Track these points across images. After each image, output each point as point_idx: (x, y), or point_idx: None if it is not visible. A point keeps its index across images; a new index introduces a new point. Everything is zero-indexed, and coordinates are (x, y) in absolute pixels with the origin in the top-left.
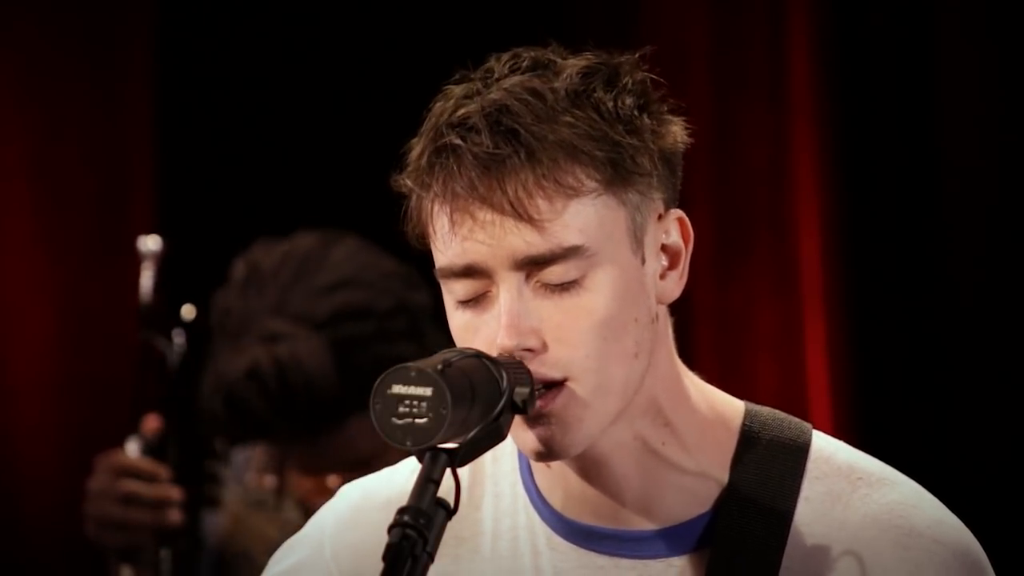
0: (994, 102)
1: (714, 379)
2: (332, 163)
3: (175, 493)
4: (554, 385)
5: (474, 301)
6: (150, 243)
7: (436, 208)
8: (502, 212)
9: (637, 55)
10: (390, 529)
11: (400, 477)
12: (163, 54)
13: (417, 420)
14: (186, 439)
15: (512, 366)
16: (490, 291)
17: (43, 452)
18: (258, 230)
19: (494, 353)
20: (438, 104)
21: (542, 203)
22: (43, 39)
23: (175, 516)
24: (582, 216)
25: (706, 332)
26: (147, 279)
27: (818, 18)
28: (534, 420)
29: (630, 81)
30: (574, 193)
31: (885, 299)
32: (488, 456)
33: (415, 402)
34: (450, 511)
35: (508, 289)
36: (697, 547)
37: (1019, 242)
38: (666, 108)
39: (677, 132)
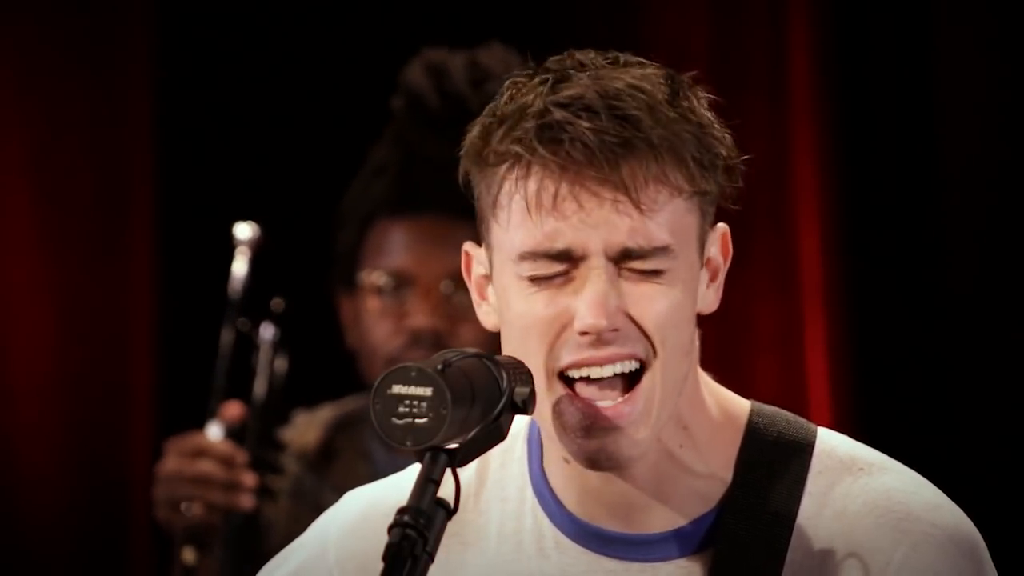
0: (994, 102)
1: (713, 377)
2: (334, 162)
3: (249, 479)
4: (624, 386)
5: (548, 280)
6: (246, 230)
7: (537, 178)
8: (614, 192)
9: (690, 76)
10: (390, 529)
11: (405, 484)
12: (163, 53)
13: (417, 420)
14: (264, 430)
15: (512, 366)
16: (572, 272)
17: (43, 452)
18: (259, 227)
19: (564, 330)
20: (511, 91)
21: (653, 194)
22: (43, 38)
23: (247, 501)
24: (675, 216)
25: (706, 332)
26: (240, 267)
27: (818, 18)
28: (600, 432)
29: (703, 99)
30: (676, 192)
31: (885, 298)
32: (495, 461)
33: (415, 402)
34: (450, 511)
35: (599, 273)
36: (704, 546)
37: (1019, 241)
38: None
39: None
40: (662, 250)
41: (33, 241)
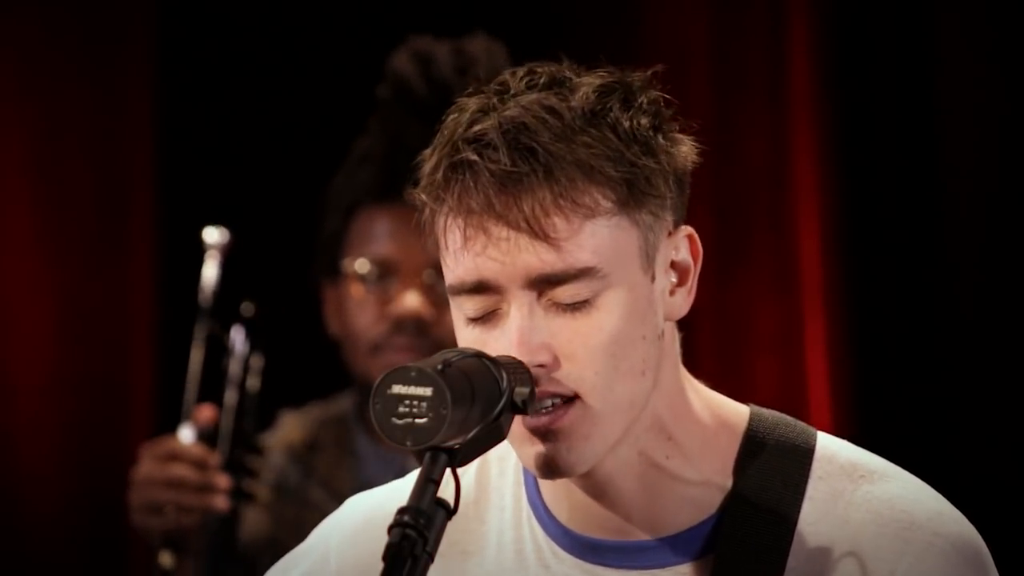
0: (994, 101)
1: (714, 379)
2: (334, 162)
3: (223, 481)
4: (565, 400)
5: (483, 319)
6: (216, 235)
7: (449, 223)
8: (518, 229)
9: (649, 72)
10: (390, 529)
11: (405, 490)
12: (163, 53)
13: (417, 420)
14: (235, 433)
15: (512, 366)
16: (500, 308)
17: (42, 451)
18: (259, 228)
19: None
20: (452, 118)
21: (558, 222)
22: (43, 38)
23: (221, 503)
24: (596, 236)
25: (706, 332)
26: (210, 271)
27: (818, 18)
28: (541, 437)
29: (645, 100)
30: (590, 213)
31: (885, 299)
32: (494, 469)
33: (415, 402)
34: (450, 511)
35: (519, 307)
36: (703, 553)
37: (1019, 241)
38: (677, 127)
39: (687, 152)
40: (585, 272)
41: (33, 241)
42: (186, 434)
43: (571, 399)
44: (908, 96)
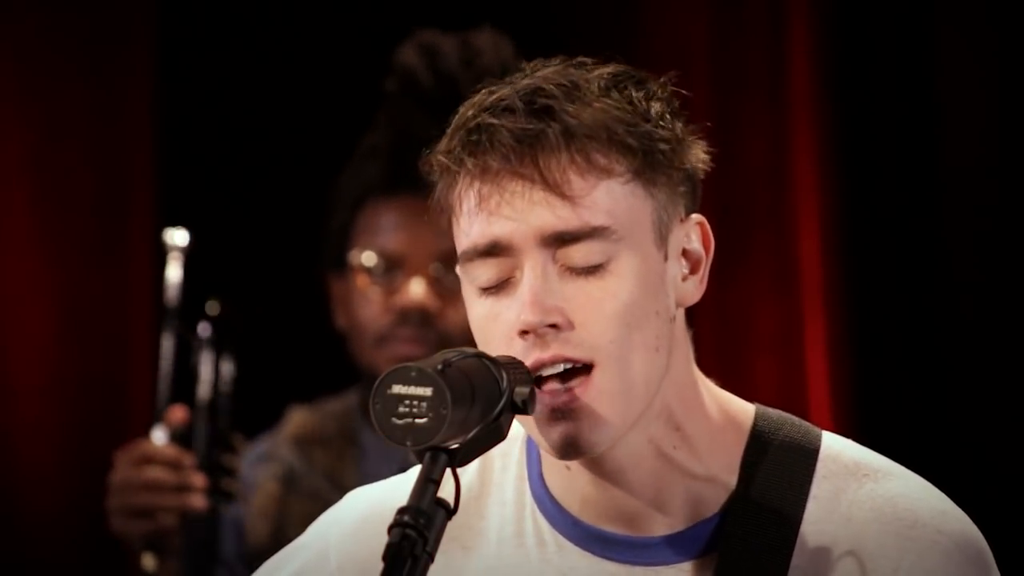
0: (994, 102)
1: (714, 379)
2: (334, 161)
3: (198, 480)
4: (578, 374)
5: (496, 288)
6: (177, 237)
7: (466, 185)
8: (532, 185)
9: (663, 79)
10: (390, 529)
11: (406, 486)
12: (163, 54)
13: (417, 420)
14: (210, 432)
15: (512, 366)
16: (513, 276)
17: (42, 452)
18: (259, 229)
19: (514, 336)
20: (467, 102)
21: (574, 179)
22: (43, 39)
23: (198, 501)
24: (611, 197)
25: (706, 332)
26: (174, 273)
27: (818, 18)
28: (560, 416)
29: (659, 90)
30: (605, 174)
31: (885, 299)
32: (497, 465)
33: (415, 402)
34: (450, 511)
35: (533, 267)
36: (708, 550)
37: (1019, 242)
38: (689, 129)
39: (699, 151)
40: (599, 231)
41: (33, 241)
42: (159, 436)
43: (585, 369)
44: (908, 96)
